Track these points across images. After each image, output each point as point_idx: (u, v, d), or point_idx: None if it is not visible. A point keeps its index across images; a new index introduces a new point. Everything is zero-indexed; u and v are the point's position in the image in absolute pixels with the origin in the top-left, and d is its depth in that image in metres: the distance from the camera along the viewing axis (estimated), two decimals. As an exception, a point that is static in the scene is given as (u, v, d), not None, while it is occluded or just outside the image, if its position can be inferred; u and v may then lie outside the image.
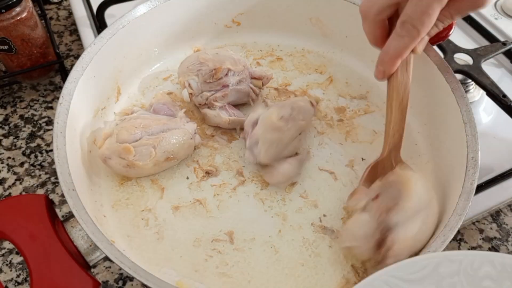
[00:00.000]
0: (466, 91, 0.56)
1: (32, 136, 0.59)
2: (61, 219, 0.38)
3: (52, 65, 0.62)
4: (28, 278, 0.47)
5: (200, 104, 0.51)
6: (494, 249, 0.50)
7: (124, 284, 0.47)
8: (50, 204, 0.38)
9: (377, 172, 0.44)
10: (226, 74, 0.50)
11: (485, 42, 0.65)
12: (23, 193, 0.53)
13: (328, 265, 0.42)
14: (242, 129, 0.50)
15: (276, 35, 0.61)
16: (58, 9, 0.78)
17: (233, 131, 0.51)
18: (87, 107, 0.47)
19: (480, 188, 0.49)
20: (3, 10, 0.54)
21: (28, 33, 0.57)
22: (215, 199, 0.46)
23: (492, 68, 0.64)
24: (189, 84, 0.50)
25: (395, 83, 0.44)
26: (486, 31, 0.66)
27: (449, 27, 0.49)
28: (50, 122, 0.61)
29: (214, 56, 0.51)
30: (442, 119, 0.48)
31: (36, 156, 0.57)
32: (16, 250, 0.48)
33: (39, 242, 0.35)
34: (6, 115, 0.61)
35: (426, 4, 0.37)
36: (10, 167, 0.56)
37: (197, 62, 0.50)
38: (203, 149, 0.50)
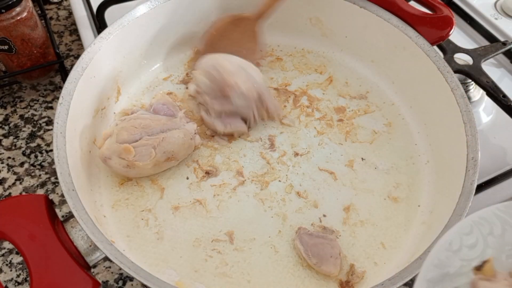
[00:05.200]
0: (466, 91, 0.56)
1: (32, 136, 0.59)
2: (61, 219, 0.38)
3: (52, 65, 0.62)
4: (28, 278, 0.47)
5: (200, 103, 0.51)
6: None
7: (124, 284, 0.47)
8: (50, 204, 0.38)
9: (230, 27, 0.52)
10: (233, 89, 0.48)
11: (485, 42, 0.65)
12: (23, 193, 0.53)
13: (328, 265, 0.42)
14: (239, 136, 0.51)
15: (276, 35, 0.61)
16: (58, 9, 0.78)
17: (233, 131, 0.51)
18: (87, 107, 0.47)
19: (480, 188, 0.49)
20: (3, 10, 0.54)
21: (28, 33, 0.57)
22: (215, 199, 0.46)
23: (492, 68, 0.64)
24: (198, 83, 0.50)
25: None
26: (486, 31, 0.66)
27: (449, 27, 0.49)
28: (50, 122, 0.61)
29: (233, 66, 0.48)
30: (442, 119, 0.48)
31: (36, 156, 0.57)
32: (16, 250, 0.48)
33: (39, 242, 0.35)
34: (6, 115, 0.61)
35: None
36: (10, 167, 0.56)
37: (214, 67, 0.48)
38: (203, 149, 0.50)
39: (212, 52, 0.51)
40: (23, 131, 0.60)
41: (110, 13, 0.62)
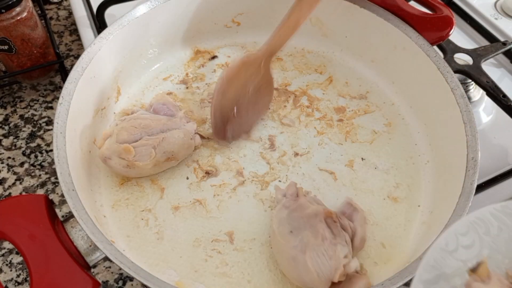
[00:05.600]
0: (466, 91, 0.56)
1: (32, 136, 0.59)
2: (61, 219, 0.38)
3: (52, 65, 0.62)
4: (28, 278, 0.47)
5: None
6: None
7: (124, 284, 0.47)
8: (50, 204, 0.38)
9: (241, 70, 0.49)
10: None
11: (485, 42, 0.65)
12: (23, 193, 0.53)
13: (328, 265, 0.42)
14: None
15: (276, 35, 0.61)
16: (58, 9, 0.78)
17: (233, 131, 0.51)
18: (87, 107, 0.47)
19: (480, 188, 0.49)
20: (3, 10, 0.54)
21: (28, 33, 0.57)
22: (215, 199, 0.46)
23: (492, 68, 0.64)
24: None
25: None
26: (486, 31, 0.66)
27: (449, 27, 0.49)
28: (50, 122, 0.61)
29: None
30: (442, 119, 0.48)
31: (36, 156, 0.57)
32: (16, 250, 0.48)
33: (39, 242, 0.35)
34: (6, 115, 0.61)
35: None
36: (10, 167, 0.56)
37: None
38: (203, 149, 0.50)
39: (223, 100, 0.49)
40: (23, 131, 0.60)
41: (110, 13, 0.62)
